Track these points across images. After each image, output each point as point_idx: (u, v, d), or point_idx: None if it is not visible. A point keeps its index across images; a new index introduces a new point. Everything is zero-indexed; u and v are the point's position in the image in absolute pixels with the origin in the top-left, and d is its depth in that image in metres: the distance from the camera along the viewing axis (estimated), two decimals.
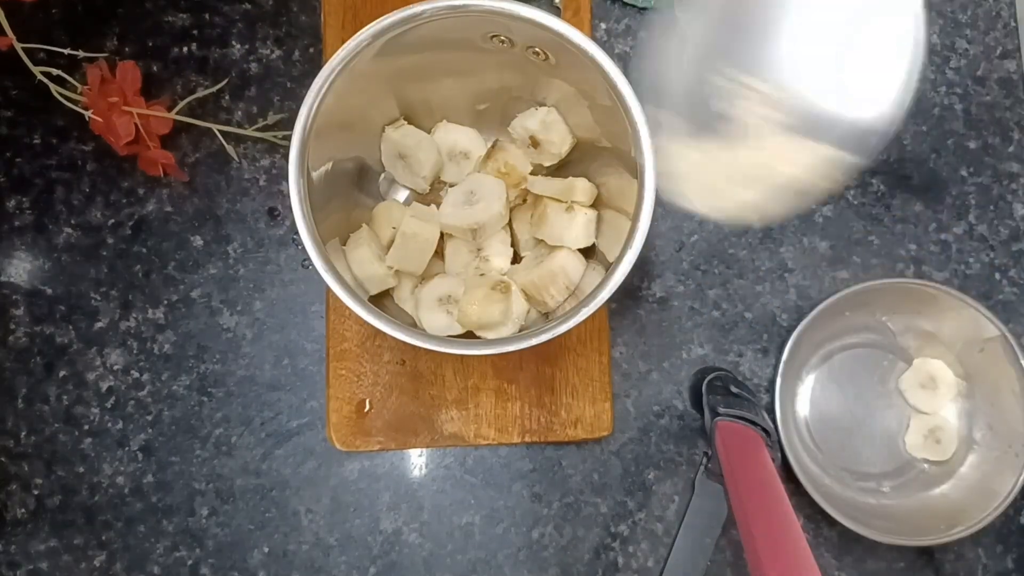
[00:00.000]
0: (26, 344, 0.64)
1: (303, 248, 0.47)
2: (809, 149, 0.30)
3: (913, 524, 0.60)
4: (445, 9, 0.47)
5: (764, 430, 0.51)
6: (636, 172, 0.47)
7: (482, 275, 0.55)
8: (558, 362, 0.59)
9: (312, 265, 0.47)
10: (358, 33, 0.47)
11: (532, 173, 0.56)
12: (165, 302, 0.64)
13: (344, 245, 0.53)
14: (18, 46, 0.57)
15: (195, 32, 0.67)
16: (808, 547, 0.40)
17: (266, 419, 0.64)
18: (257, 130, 0.63)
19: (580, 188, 0.53)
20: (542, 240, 0.55)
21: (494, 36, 0.49)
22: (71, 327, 0.64)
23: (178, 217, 0.65)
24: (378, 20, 0.47)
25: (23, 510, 0.62)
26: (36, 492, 0.63)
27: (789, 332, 0.62)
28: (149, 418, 0.63)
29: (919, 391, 0.63)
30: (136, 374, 0.64)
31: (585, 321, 0.46)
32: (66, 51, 0.59)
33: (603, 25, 0.67)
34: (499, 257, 0.56)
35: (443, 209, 0.55)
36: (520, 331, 0.52)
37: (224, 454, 0.63)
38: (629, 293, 0.65)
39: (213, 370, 0.64)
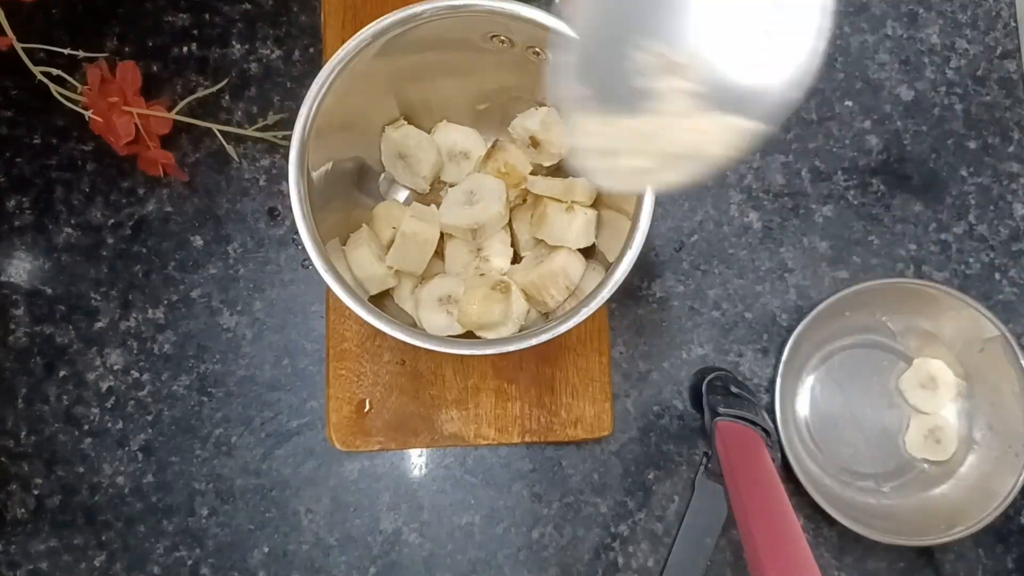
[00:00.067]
0: (26, 344, 0.64)
1: (303, 248, 0.47)
2: (718, 119, 0.30)
3: (913, 524, 0.60)
4: (445, 9, 0.47)
5: (764, 430, 0.51)
6: None
7: (482, 275, 0.55)
8: (558, 362, 0.59)
9: (312, 265, 0.47)
10: (358, 33, 0.47)
11: (532, 173, 0.56)
12: (165, 302, 0.64)
13: (344, 245, 0.53)
14: (18, 46, 0.57)
15: (195, 32, 0.67)
16: (808, 547, 0.40)
17: (266, 419, 0.64)
18: (257, 130, 0.63)
19: (580, 188, 0.53)
20: (542, 240, 0.55)
21: (494, 36, 0.49)
22: (71, 327, 0.64)
23: (178, 217, 0.65)
24: (378, 20, 0.47)
25: (23, 510, 0.62)
26: (36, 492, 0.63)
27: (789, 332, 0.62)
28: (149, 418, 0.63)
29: (919, 391, 0.63)
30: (136, 374, 0.64)
31: (585, 321, 0.46)
32: (66, 51, 0.59)
33: None
34: (499, 257, 0.56)
35: (443, 209, 0.55)
36: (520, 331, 0.52)
37: (224, 454, 0.63)
38: (629, 293, 0.65)
39: (213, 370, 0.64)
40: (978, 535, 0.59)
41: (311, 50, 0.67)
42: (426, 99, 0.56)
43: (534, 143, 0.56)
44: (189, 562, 0.62)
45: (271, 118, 0.64)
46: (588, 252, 0.55)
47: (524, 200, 0.58)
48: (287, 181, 0.47)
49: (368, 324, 0.47)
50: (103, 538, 0.62)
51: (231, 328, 0.64)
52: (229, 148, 0.63)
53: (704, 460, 0.52)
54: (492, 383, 0.59)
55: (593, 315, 0.46)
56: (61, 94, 0.59)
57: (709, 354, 0.64)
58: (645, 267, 0.65)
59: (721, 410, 0.53)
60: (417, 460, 0.64)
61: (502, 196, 0.55)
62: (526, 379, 0.59)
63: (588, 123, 0.32)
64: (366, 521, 0.63)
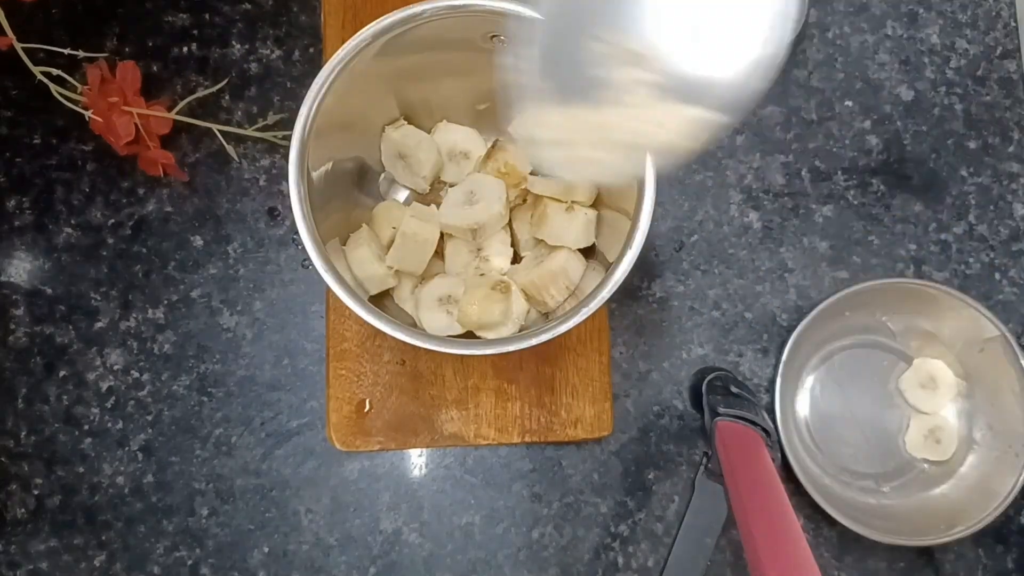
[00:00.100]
0: (26, 344, 0.64)
1: (303, 248, 0.47)
2: (678, 110, 0.30)
3: (913, 524, 0.60)
4: (445, 9, 0.47)
5: (764, 430, 0.51)
6: None
7: (482, 275, 0.55)
8: (558, 362, 0.59)
9: (312, 265, 0.47)
10: (358, 33, 0.47)
11: (532, 173, 0.56)
12: (165, 302, 0.64)
13: (344, 245, 0.53)
14: (18, 46, 0.57)
15: (195, 32, 0.67)
16: (808, 547, 0.40)
17: (266, 419, 0.64)
18: (257, 130, 0.63)
19: (580, 188, 0.53)
20: (542, 240, 0.55)
21: (494, 36, 0.49)
22: (71, 327, 0.64)
23: (178, 217, 0.65)
24: (378, 20, 0.47)
25: (23, 510, 0.62)
26: (36, 492, 0.63)
27: (789, 332, 0.62)
28: (149, 418, 0.63)
29: (919, 391, 0.63)
30: (136, 374, 0.64)
31: (585, 321, 0.46)
32: (66, 51, 0.59)
33: None
34: (499, 257, 0.56)
35: (443, 209, 0.55)
36: (520, 331, 0.52)
37: (224, 454, 0.63)
38: (629, 293, 0.65)
39: (213, 370, 0.64)
40: (978, 535, 0.59)
41: (311, 50, 0.67)
42: (426, 99, 0.56)
43: None
44: (189, 562, 0.62)
45: (271, 118, 0.64)
46: (588, 252, 0.55)
47: (524, 200, 0.58)
48: (287, 181, 0.47)
49: (368, 324, 0.47)
50: (103, 538, 0.62)
51: (231, 328, 0.64)
52: (229, 148, 0.63)
53: (704, 460, 0.52)
54: (492, 383, 0.59)
55: (593, 315, 0.46)
56: (61, 94, 0.59)
57: (709, 354, 0.64)
58: (645, 267, 0.65)
59: (721, 410, 0.53)
60: (417, 460, 0.64)
61: (502, 196, 0.55)
62: (526, 379, 0.59)
63: (545, 114, 0.32)
64: (366, 521, 0.63)
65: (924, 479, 0.63)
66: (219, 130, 0.62)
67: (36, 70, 0.58)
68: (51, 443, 0.63)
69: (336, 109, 0.48)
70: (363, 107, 0.53)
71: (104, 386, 0.64)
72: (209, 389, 0.64)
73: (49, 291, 0.64)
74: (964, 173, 0.66)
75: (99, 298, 0.64)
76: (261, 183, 0.66)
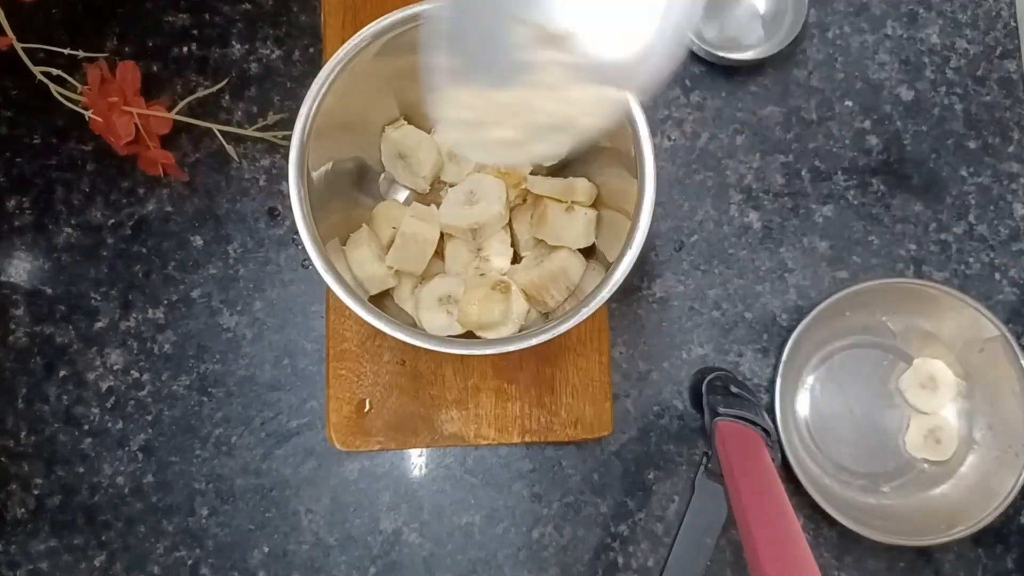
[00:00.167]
0: (26, 344, 0.64)
1: (303, 248, 0.47)
2: (589, 90, 0.30)
3: (913, 524, 0.60)
4: None
5: (764, 430, 0.51)
6: (636, 172, 0.47)
7: (482, 275, 0.55)
8: (558, 362, 0.59)
9: (312, 265, 0.47)
10: (358, 33, 0.47)
11: (532, 173, 0.56)
12: (165, 302, 0.64)
13: (344, 245, 0.53)
14: (18, 46, 0.57)
15: (195, 32, 0.67)
16: (808, 547, 0.40)
17: (266, 419, 0.64)
18: (257, 130, 0.63)
19: (580, 188, 0.53)
20: (542, 240, 0.55)
21: None
22: (71, 327, 0.64)
23: (178, 217, 0.65)
24: (378, 20, 0.47)
25: (23, 510, 0.62)
26: (36, 492, 0.63)
27: (789, 332, 0.62)
28: (149, 418, 0.63)
29: (919, 391, 0.63)
30: (136, 374, 0.64)
31: (585, 321, 0.46)
32: (66, 51, 0.59)
33: None
34: (499, 257, 0.56)
35: (443, 209, 0.55)
36: (520, 331, 0.52)
37: (224, 454, 0.63)
38: (629, 293, 0.65)
39: (213, 370, 0.64)
40: (978, 535, 0.59)
41: (311, 50, 0.67)
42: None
43: None
44: (189, 562, 0.62)
45: (271, 118, 0.64)
46: (588, 252, 0.55)
47: (524, 200, 0.58)
48: (287, 181, 0.47)
49: (368, 324, 0.47)
50: (103, 538, 0.62)
51: (231, 328, 0.64)
52: (229, 148, 0.63)
53: (704, 460, 0.52)
54: (492, 383, 0.59)
55: (593, 315, 0.46)
56: (61, 94, 0.59)
57: (709, 354, 0.64)
58: (645, 267, 0.65)
59: (721, 410, 0.53)
60: (417, 460, 0.64)
61: (502, 196, 0.55)
62: (526, 379, 0.59)
63: (457, 94, 0.32)
64: (366, 521, 0.63)
65: (924, 479, 0.63)
66: (219, 130, 0.62)
67: (36, 70, 0.58)
68: (51, 443, 0.63)
69: (336, 109, 0.48)
70: (363, 107, 0.53)
71: (104, 386, 0.64)
72: (209, 389, 0.64)
73: (49, 291, 0.64)
74: (964, 173, 0.66)
75: (99, 298, 0.64)
76: (261, 183, 0.66)
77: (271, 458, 0.63)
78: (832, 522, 0.58)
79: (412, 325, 0.53)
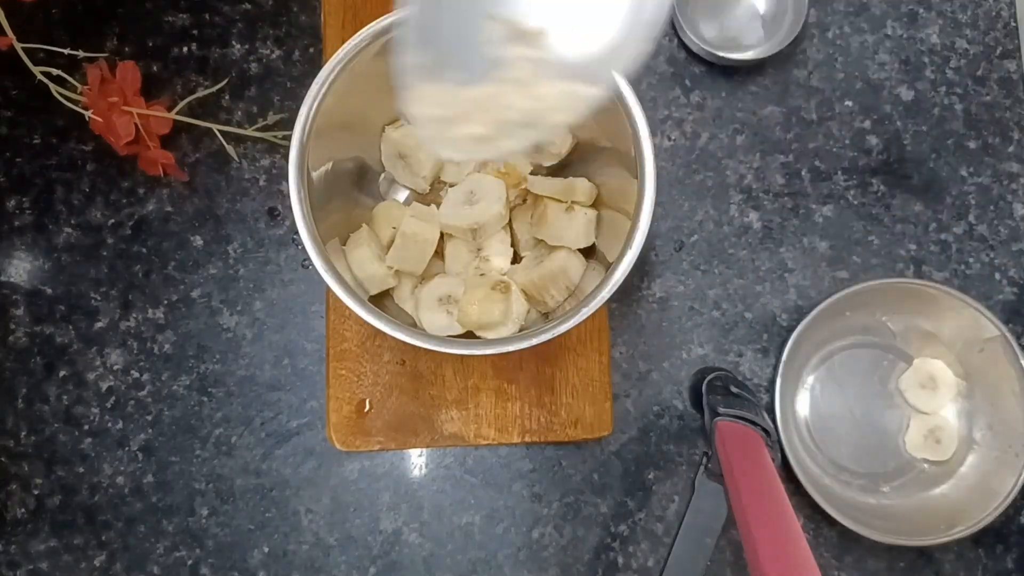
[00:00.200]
0: (26, 344, 0.64)
1: (303, 248, 0.47)
2: (558, 85, 0.30)
3: (913, 524, 0.60)
4: None
5: (764, 430, 0.51)
6: (636, 172, 0.47)
7: (482, 275, 0.55)
8: (558, 362, 0.59)
9: (312, 265, 0.47)
10: (358, 33, 0.47)
11: (532, 173, 0.56)
12: (165, 302, 0.64)
13: (344, 245, 0.53)
14: (18, 46, 0.57)
15: (195, 32, 0.67)
16: (808, 547, 0.40)
17: (266, 419, 0.64)
18: (257, 130, 0.63)
19: (580, 188, 0.53)
20: (542, 240, 0.55)
21: None
22: (71, 327, 0.64)
23: (178, 217, 0.65)
24: (378, 20, 0.47)
25: (23, 510, 0.62)
26: (36, 492, 0.63)
27: (789, 332, 0.62)
28: (149, 418, 0.63)
29: (919, 391, 0.63)
30: (136, 374, 0.64)
31: (585, 321, 0.46)
32: (66, 51, 0.59)
33: None
34: (499, 257, 0.56)
35: (443, 209, 0.55)
36: (520, 331, 0.52)
37: (224, 454, 0.63)
38: (629, 293, 0.65)
39: (213, 370, 0.64)
40: (978, 535, 0.59)
41: (311, 50, 0.67)
42: None
43: None
44: (189, 562, 0.62)
45: (271, 118, 0.64)
46: (588, 252, 0.55)
47: (524, 200, 0.58)
48: (287, 181, 0.47)
49: (368, 324, 0.47)
50: (103, 538, 0.62)
51: (231, 328, 0.64)
52: (229, 148, 0.63)
53: (704, 460, 0.52)
54: (492, 383, 0.59)
55: (593, 315, 0.46)
56: (61, 94, 0.59)
57: (709, 354, 0.64)
58: (645, 267, 0.65)
59: (721, 410, 0.53)
60: (417, 460, 0.64)
61: (502, 196, 0.55)
62: (526, 379, 0.59)
63: (427, 91, 0.32)
64: (366, 521, 0.63)
65: (924, 479, 0.63)
66: (219, 130, 0.62)
67: (36, 70, 0.58)
68: (51, 443, 0.63)
69: (336, 109, 0.48)
70: (363, 107, 0.53)
71: (104, 386, 0.64)
72: (209, 389, 0.64)
73: (49, 291, 0.64)
74: (964, 173, 0.66)
75: (99, 298, 0.64)
76: (261, 183, 0.66)
77: (271, 458, 0.63)
78: (832, 522, 0.58)
79: (412, 325, 0.53)
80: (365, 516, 0.63)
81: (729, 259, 0.65)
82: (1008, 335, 0.59)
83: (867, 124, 0.67)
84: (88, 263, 0.65)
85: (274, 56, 0.67)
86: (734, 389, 0.57)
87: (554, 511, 0.63)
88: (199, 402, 0.64)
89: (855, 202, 0.66)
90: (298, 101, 0.47)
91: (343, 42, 0.47)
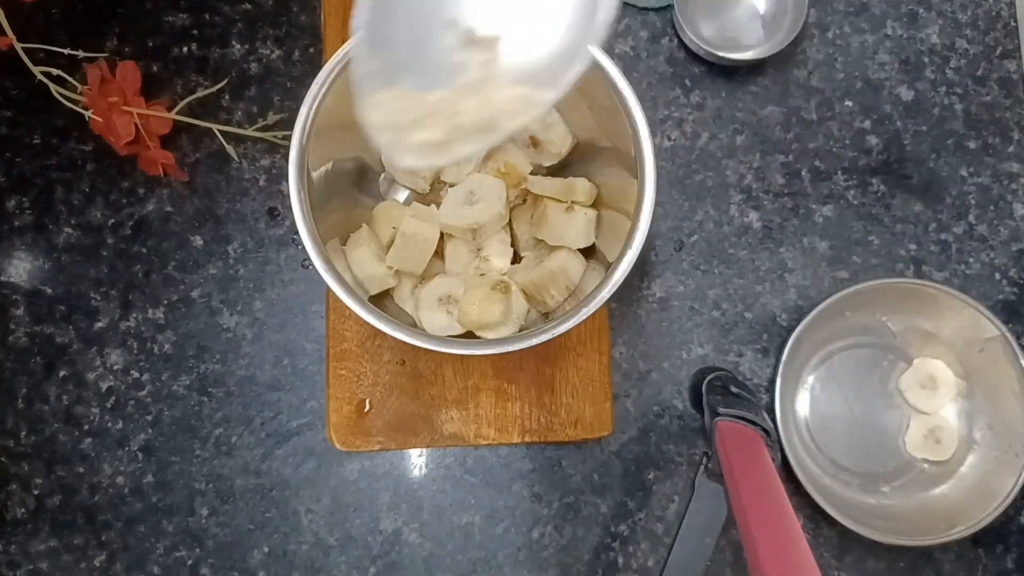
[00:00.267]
0: (26, 344, 0.64)
1: (303, 248, 0.47)
2: (510, 90, 0.31)
3: (913, 524, 0.60)
4: None
5: (764, 430, 0.51)
6: (636, 172, 0.47)
7: (482, 275, 0.55)
8: (558, 362, 0.59)
9: (312, 265, 0.47)
10: None
11: (532, 173, 0.56)
12: (165, 302, 0.64)
13: (344, 245, 0.53)
14: (18, 46, 0.57)
15: (195, 32, 0.67)
16: (808, 547, 0.40)
17: (266, 419, 0.64)
18: (257, 130, 0.63)
19: (580, 188, 0.53)
20: (542, 240, 0.55)
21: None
22: (71, 327, 0.64)
23: (178, 217, 0.65)
24: None
25: (23, 510, 0.62)
26: (36, 492, 0.63)
27: (789, 332, 0.62)
28: (149, 418, 0.63)
29: (919, 391, 0.63)
30: (136, 374, 0.64)
31: (585, 321, 0.46)
32: (66, 51, 0.59)
33: None
34: (499, 257, 0.56)
35: (443, 209, 0.55)
36: (520, 331, 0.52)
37: (224, 454, 0.63)
38: (629, 293, 0.65)
39: (213, 370, 0.64)
40: (978, 535, 0.59)
41: (311, 50, 0.67)
42: None
43: (534, 143, 0.56)
44: (189, 562, 0.62)
45: (271, 118, 0.64)
46: (588, 252, 0.55)
47: (524, 200, 0.58)
48: (287, 181, 0.47)
49: (368, 324, 0.47)
50: (103, 538, 0.62)
51: (231, 328, 0.64)
52: (229, 148, 0.63)
53: (704, 460, 0.52)
54: (492, 383, 0.59)
55: (593, 315, 0.46)
56: (61, 94, 0.59)
57: (709, 354, 0.64)
58: (645, 267, 0.65)
59: (721, 410, 0.53)
60: (417, 460, 0.64)
61: (502, 196, 0.55)
62: (526, 379, 0.59)
63: (382, 98, 0.32)
64: (366, 521, 0.63)
65: (924, 479, 0.63)
66: (219, 130, 0.62)
67: (36, 70, 0.58)
68: (51, 443, 0.63)
69: (336, 109, 0.48)
70: None
71: (104, 386, 0.64)
72: (209, 389, 0.64)
73: (49, 291, 0.64)
74: (964, 173, 0.66)
75: (99, 298, 0.64)
76: (261, 183, 0.66)
77: (271, 458, 0.63)
78: (832, 522, 0.58)
79: (412, 325, 0.53)
80: (365, 516, 0.63)
81: (729, 259, 0.65)
82: (1008, 335, 0.59)
83: (867, 124, 0.67)
84: (88, 263, 0.65)
85: (274, 56, 0.67)
86: (734, 389, 0.57)
87: (554, 511, 0.63)
88: (199, 402, 0.64)
89: (855, 202, 0.66)
90: (298, 101, 0.47)
91: (343, 42, 0.47)
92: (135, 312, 0.64)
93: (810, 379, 0.65)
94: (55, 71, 0.59)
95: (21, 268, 0.65)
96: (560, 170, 0.57)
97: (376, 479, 0.63)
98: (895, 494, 0.63)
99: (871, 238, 0.66)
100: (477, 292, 0.52)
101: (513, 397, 0.59)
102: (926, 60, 0.67)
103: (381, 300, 0.55)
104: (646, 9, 0.67)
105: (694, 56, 0.66)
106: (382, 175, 0.59)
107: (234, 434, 0.63)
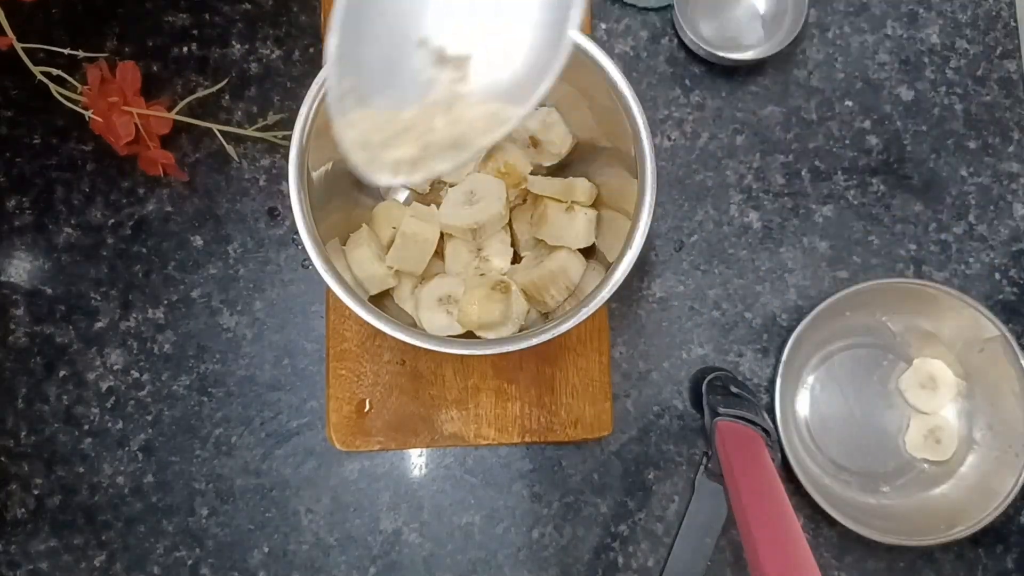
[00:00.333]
0: (26, 344, 0.64)
1: (303, 248, 0.47)
2: (481, 107, 0.31)
3: (913, 524, 0.60)
4: None
5: (764, 430, 0.51)
6: (636, 172, 0.47)
7: (482, 275, 0.55)
8: (558, 362, 0.59)
9: (312, 265, 0.47)
10: None
11: (532, 173, 0.56)
12: (165, 302, 0.64)
13: (344, 245, 0.53)
14: (18, 46, 0.57)
15: (195, 32, 0.67)
16: (808, 547, 0.40)
17: (266, 419, 0.64)
18: (257, 130, 0.63)
19: (580, 188, 0.53)
20: (542, 240, 0.55)
21: None
22: (71, 327, 0.64)
23: (178, 217, 0.65)
24: None
25: (23, 510, 0.62)
26: (36, 492, 0.63)
27: (789, 332, 0.62)
28: (149, 418, 0.63)
29: (919, 391, 0.63)
30: (136, 374, 0.64)
31: (585, 321, 0.46)
32: (66, 51, 0.59)
33: (603, 25, 0.67)
34: (499, 257, 0.56)
35: (443, 209, 0.55)
36: (520, 331, 0.52)
37: (224, 454, 0.63)
38: (629, 293, 0.65)
39: (213, 370, 0.64)
40: (978, 535, 0.59)
41: (311, 50, 0.67)
42: None
43: (534, 143, 0.56)
44: (189, 562, 0.62)
45: (271, 118, 0.64)
46: (588, 252, 0.55)
47: (524, 200, 0.58)
48: (287, 181, 0.47)
49: (368, 324, 0.47)
50: (103, 538, 0.62)
51: (231, 328, 0.64)
52: (229, 148, 0.63)
53: (704, 460, 0.52)
54: (492, 383, 0.59)
55: (593, 315, 0.46)
56: (61, 94, 0.59)
57: (709, 354, 0.64)
58: (645, 267, 0.65)
59: (721, 410, 0.53)
60: (417, 460, 0.64)
61: (502, 196, 0.55)
62: (526, 379, 0.59)
63: (355, 117, 0.33)
64: (366, 521, 0.63)
65: (924, 479, 0.63)
66: (219, 130, 0.62)
67: (36, 70, 0.58)
68: (51, 443, 0.63)
69: None
70: None
71: (104, 386, 0.64)
72: (209, 389, 0.64)
73: (49, 291, 0.64)
74: (964, 173, 0.66)
75: (99, 298, 0.64)
76: (261, 183, 0.66)
77: (271, 458, 0.63)
78: (832, 522, 0.58)
79: (412, 325, 0.53)
80: (365, 516, 0.63)
81: (729, 259, 0.65)
82: (1008, 335, 0.59)
83: (867, 124, 0.67)
84: (88, 263, 0.65)
85: (274, 56, 0.67)
86: (734, 389, 0.57)
87: (554, 511, 0.63)
88: (199, 402, 0.64)
89: (855, 202, 0.66)
90: (298, 101, 0.47)
91: None
92: (135, 312, 0.64)
93: (810, 379, 0.65)
94: (55, 71, 0.58)
95: (21, 268, 0.65)
96: (560, 170, 0.57)
97: (376, 479, 0.63)
98: (895, 494, 0.63)
99: (871, 238, 0.66)
100: (477, 292, 0.52)
101: (513, 397, 0.59)
102: (926, 60, 0.67)
103: (381, 300, 0.55)
104: (646, 9, 0.67)
105: (694, 56, 0.66)
106: None
107: (234, 434, 0.63)
